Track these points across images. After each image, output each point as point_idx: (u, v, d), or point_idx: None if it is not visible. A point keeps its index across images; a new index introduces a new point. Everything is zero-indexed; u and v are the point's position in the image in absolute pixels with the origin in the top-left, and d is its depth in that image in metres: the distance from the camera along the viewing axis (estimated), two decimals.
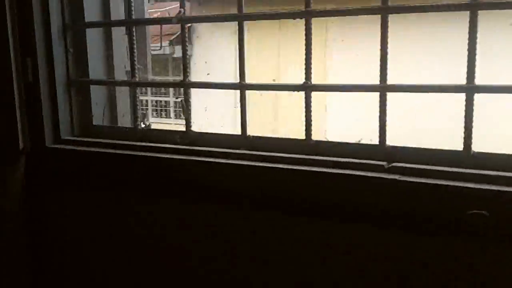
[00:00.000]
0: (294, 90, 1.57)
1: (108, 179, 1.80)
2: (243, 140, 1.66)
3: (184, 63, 1.75)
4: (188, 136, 1.76)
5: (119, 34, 2.05)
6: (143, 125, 1.92)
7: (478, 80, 1.32)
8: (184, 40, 1.75)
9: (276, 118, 7.69)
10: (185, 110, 1.77)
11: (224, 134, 1.73)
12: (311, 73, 1.52)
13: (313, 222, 1.46)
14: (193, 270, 1.70)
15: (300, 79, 1.54)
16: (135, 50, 1.86)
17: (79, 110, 1.98)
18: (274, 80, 7.39)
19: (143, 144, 1.79)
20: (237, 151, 1.63)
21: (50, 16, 1.84)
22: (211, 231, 1.65)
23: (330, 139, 1.53)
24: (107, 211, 1.83)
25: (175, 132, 1.81)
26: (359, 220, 1.39)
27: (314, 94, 1.53)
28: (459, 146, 1.35)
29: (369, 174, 1.38)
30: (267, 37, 7.46)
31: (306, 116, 1.55)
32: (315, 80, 1.53)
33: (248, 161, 1.58)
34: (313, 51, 1.51)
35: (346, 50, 7.13)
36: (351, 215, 1.40)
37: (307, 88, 1.53)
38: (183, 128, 1.79)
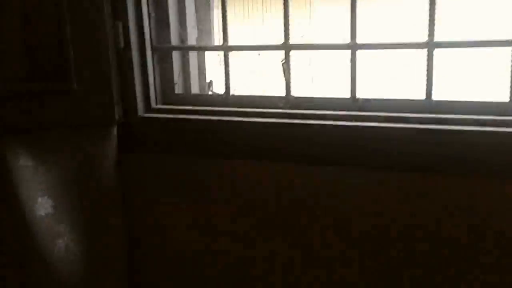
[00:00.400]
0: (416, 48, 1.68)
1: (209, 146, 1.79)
2: (352, 103, 1.72)
3: (286, 25, 1.73)
4: (289, 101, 1.79)
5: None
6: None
7: None
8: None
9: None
10: (286, 73, 1.80)
11: (329, 98, 1.78)
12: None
13: None
14: None
15: None
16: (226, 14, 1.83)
17: (162, 78, 1.94)
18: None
19: (246, 110, 1.80)
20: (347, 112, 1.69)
21: None
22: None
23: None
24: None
25: (275, 97, 1.83)
26: None
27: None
28: None
29: None
30: None
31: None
32: None
33: (366, 122, 1.65)
34: None
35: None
36: None
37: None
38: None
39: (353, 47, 1.67)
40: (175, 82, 1.95)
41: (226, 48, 1.83)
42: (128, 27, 1.76)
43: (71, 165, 1.75)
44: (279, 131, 1.72)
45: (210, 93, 2.17)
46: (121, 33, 1.76)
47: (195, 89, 2.03)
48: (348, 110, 1.71)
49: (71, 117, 1.72)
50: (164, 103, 1.93)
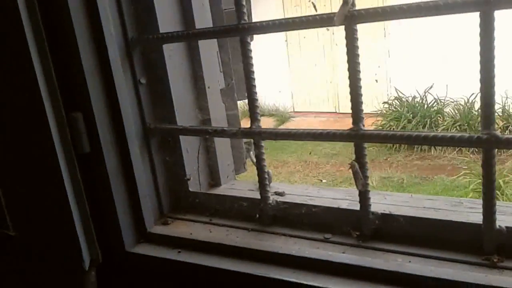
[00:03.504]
0: None
1: None
2: None
3: None
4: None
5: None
6: (274, 195, 1.15)
7: None
8: None
9: None
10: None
11: None
12: None
13: None
14: None
15: None
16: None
17: (166, 173, 1.23)
18: None
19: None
20: None
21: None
22: None
23: None
24: None
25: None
26: None
27: None
28: None
29: None
30: None
31: None
32: None
33: None
34: None
35: None
36: None
37: None
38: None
39: None
40: (187, 176, 1.23)
41: (257, 134, 1.06)
42: (92, 118, 1.05)
43: None
44: None
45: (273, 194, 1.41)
46: (83, 131, 1.05)
47: (227, 179, 1.31)
48: None
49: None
50: (177, 211, 1.25)
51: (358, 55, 0.88)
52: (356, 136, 0.92)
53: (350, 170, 0.96)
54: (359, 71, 0.89)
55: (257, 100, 1.06)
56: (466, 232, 0.90)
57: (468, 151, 7.62)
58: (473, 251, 0.88)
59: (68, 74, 1.01)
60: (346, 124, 0.93)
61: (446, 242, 0.91)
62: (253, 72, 1.03)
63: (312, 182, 7.06)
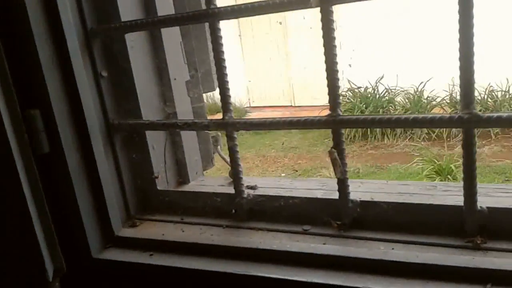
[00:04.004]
0: None
1: None
2: None
3: None
4: None
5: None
6: (247, 189, 1.11)
7: None
8: None
9: None
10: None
11: None
12: None
13: None
14: None
15: None
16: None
17: (131, 172, 1.16)
18: None
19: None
20: None
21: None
22: None
23: None
24: None
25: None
26: None
27: None
28: None
29: None
30: None
31: None
32: None
33: None
34: None
35: None
36: None
37: None
38: None
39: None
40: (155, 174, 1.17)
41: (230, 125, 1.02)
42: (51, 114, 0.97)
43: None
44: None
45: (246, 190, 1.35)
46: (41, 129, 0.97)
47: (195, 176, 1.25)
48: None
49: None
50: (143, 213, 1.18)
51: (334, 38, 0.85)
52: (334, 122, 0.89)
53: (328, 158, 0.93)
54: (336, 55, 0.86)
55: (228, 89, 1.01)
56: (446, 215, 0.89)
57: (419, 138, 7.86)
58: (455, 233, 0.87)
59: (24, 68, 0.93)
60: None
61: (427, 227, 0.90)
62: (224, 60, 0.99)
63: (271, 177, 7.07)
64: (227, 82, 1.02)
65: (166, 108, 1.17)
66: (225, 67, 1.00)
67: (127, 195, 1.14)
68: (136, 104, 1.11)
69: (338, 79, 0.89)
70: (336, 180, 0.96)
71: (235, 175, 1.06)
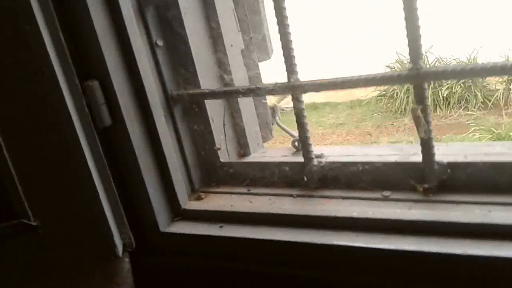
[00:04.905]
0: None
1: None
2: None
3: None
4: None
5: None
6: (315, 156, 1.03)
7: None
8: None
9: None
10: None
11: None
12: None
13: None
14: None
15: None
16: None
17: (193, 144, 1.12)
18: None
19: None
20: None
21: None
22: None
23: None
24: None
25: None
26: None
27: None
28: None
29: None
30: None
31: None
32: None
33: None
34: None
35: None
36: None
37: None
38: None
39: None
40: (217, 146, 1.12)
41: (298, 87, 0.94)
42: (112, 87, 0.92)
43: None
44: None
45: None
46: (101, 102, 0.93)
47: (256, 145, 1.19)
48: None
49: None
50: (208, 186, 1.14)
51: None
52: (418, 76, 0.80)
53: (411, 116, 0.84)
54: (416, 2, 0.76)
55: (293, 49, 0.94)
56: None
57: (475, 108, 7.50)
58: None
59: (79, 38, 0.89)
60: None
61: None
62: (286, 17, 0.91)
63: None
64: (291, 41, 0.94)
65: (225, 76, 1.11)
66: (288, 25, 0.93)
67: (190, 168, 1.10)
68: (194, 73, 1.05)
69: (419, 27, 0.80)
70: (410, 145, 0.88)
71: (304, 141, 0.99)
